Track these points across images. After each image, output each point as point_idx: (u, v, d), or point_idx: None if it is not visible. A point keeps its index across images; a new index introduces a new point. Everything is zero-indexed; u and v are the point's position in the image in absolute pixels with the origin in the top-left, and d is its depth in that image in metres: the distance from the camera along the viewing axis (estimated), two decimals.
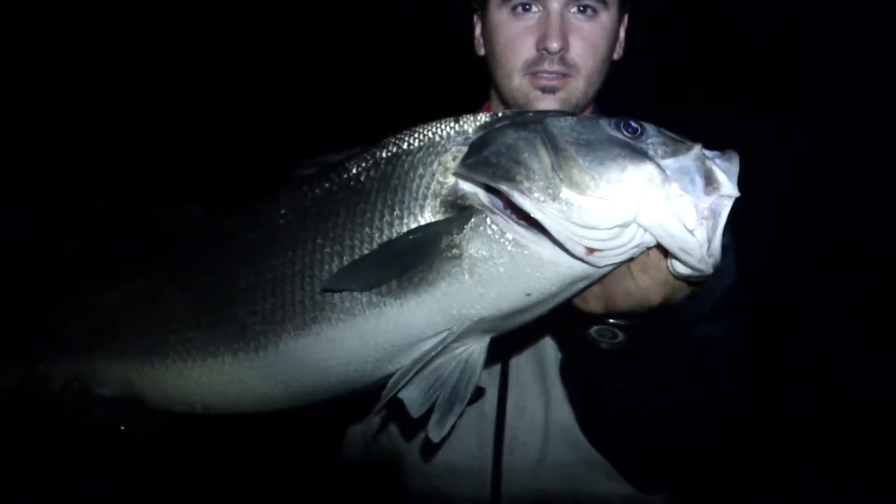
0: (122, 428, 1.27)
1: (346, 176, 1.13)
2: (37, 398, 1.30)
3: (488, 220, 1.01)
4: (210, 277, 1.22)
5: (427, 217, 1.04)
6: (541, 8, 1.46)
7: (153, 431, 1.31)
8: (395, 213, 1.05)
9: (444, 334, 1.04)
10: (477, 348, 1.09)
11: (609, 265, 0.99)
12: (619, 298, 1.04)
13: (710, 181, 0.97)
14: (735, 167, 0.99)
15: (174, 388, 1.22)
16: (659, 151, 1.00)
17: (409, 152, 1.09)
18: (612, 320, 1.13)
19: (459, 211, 1.02)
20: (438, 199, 1.04)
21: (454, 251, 1.00)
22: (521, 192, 0.96)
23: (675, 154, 0.99)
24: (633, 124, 1.03)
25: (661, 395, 1.25)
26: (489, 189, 1.02)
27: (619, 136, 1.01)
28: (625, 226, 0.96)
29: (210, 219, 1.35)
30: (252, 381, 1.15)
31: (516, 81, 1.50)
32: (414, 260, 1.00)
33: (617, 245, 0.97)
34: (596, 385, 1.30)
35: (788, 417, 3.58)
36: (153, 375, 1.23)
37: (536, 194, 0.96)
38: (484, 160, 1.00)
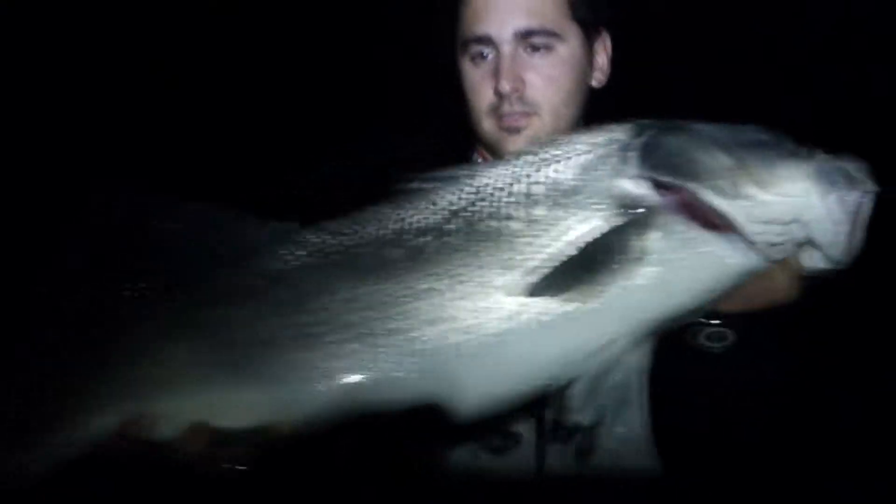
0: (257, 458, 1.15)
1: (497, 188, 1.12)
2: (143, 446, 1.14)
3: (670, 221, 1.03)
4: (367, 291, 1.14)
5: (600, 223, 1.04)
6: (493, 52, 1.48)
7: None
8: (567, 220, 1.06)
9: (623, 340, 1.05)
10: (635, 353, 1.11)
11: (777, 259, 1.04)
12: (758, 295, 1.09)
13: (848, 179, 1.03)
14: (862, 165, 1.06)
15: (328, 407, 1.13)
16: (803, 153, 1.06)
17: (570, 159, 1.10)
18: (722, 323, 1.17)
19: (634, 214, 1.04)
20: (611, 204, 1.05)
21: (637, 255, 1.02)
22: (710, 188, 1.00)
23: (810, 157, 1.06)
24: (777, 133, 1.09)
25: (750, 397, 1.28)
26: (660, 191, 1.05)
27: (773, 139, 1.08)
28: (796, 221, 1.01)
29: (305, 234, 1.24)
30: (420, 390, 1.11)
31: (485, 125, 1.53)
32: (597, 266, 1.01)
33: (788, 240, 1.02)
34: (691, 394, 1.31)
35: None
36: (305, 398, 1.13)
37: (726, 190, 1.01)
38: (664, 162, 1.04)
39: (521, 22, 1.45)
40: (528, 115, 1.48)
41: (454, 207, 1.13)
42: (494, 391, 1.09)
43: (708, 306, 1.09)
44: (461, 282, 1.07)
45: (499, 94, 1.46)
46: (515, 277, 1.05)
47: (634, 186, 1.06)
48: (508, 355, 1.06)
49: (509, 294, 1.04)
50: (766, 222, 1.01)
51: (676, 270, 1.03)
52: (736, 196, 1.01)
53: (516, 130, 1.49)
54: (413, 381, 1.08)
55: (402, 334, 1.08)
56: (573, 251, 1.03)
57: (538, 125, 1.50)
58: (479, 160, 1.66)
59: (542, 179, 1.09)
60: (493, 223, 1.09)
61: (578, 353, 1.05)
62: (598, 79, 1.60)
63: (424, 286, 1.09)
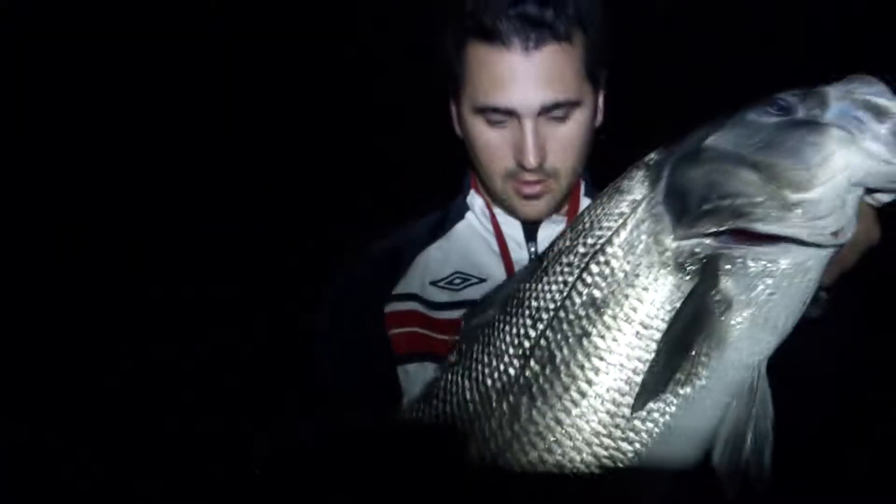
0: None
1: (556, 308, 1.07)
2: None
3: (734, 258, 0.99)
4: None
5: (673, 291, 1.01)
6: (514, 123, 1.41)
7: None
8: (640, 309, 1.01)
9: (749, 383, 1.02)
10: (762, 380, 1.05)
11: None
12: (848, 255, 1.05)
13: (870, 108, 0.97)
14: (878, 84, 0.99)
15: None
16: (815, 111, 1.00)
17: (609, 244, 1.05)
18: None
19: (697, 271, 1.00)
20: (671, 272, 1.01)
21: (723, 307, 0.98)
22: (759, 220, 0.96)
23: (824, 104, 1.00)
24: (780, 102, 1.02)
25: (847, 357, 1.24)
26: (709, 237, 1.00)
27: (779, 119, 1.01)
28: (850, 189, 0.97)
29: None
30: None
31: (499, 185, 1.49)
32: (692, 338, 0.98)
33: (849, 214, 0.97)
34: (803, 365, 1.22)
35: None
36: None
37: (773, 214, 0.96)
38: (698, 211, 0.99)
39: (546, 95, 1.38)
40: (545, 182, 1.46)
41: (527, 344, 1.08)
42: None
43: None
44: (571, 413, 1.03)
45: (521, 165, 1.42)
46: (618, 389, 1.01)
47: (683, 246, 1.01)
48: (655, 464, 1.03)
49: (621, 406, 1.01)
50: (824, 217, 0.96)
51: (765, 301, 0.99)
52: (783, 212, 0.96)
53: (535, 196, 1.48)
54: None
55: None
56: (661, 337, 0.99)
57: (556, 190, 1.49)
58: (473, 191, 1.65)
59: (596, 281, 1.05)
60: (569, 349, 1.04)
61: (722, 421, 1.02)
62: (599, 120, 1.57)
63: (539, 425, 1.05)
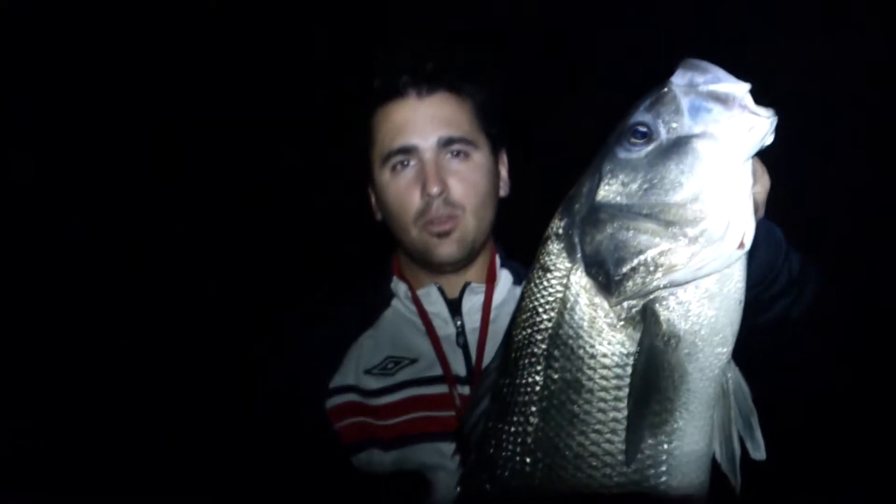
0: None
1: (523, 395, 1.14)
2: None
3: (667, 300, 1.06)
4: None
5: (630, 344, 1.07)
6: (416, 160, 1.58)
7: None
8: (610, 369, 1.08)
9: (722, 387, 1.09)
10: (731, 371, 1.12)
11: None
12: (758, 212, 1.09)
13: (716, 99, 1.02)
14: (712, 70, 1.04)
15: None
16: (673, 124, 1.04)
17: (558, 324, 1.12)
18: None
19: (639, 317, 1.07)
20: (620, 327, 1.08)
21: (672, 342, 1.05)
22: (673, 270, 1.03)
23: (678, 112, 1.04)
24: (640, 129, 1.06)
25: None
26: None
27: (648, 149, 1.06)
28: (736, 195, 1.02)
29: None
30: None
31: (413, 233, 1.62)
32: (655, 382, 1.05)
33: (747, 212, 1.03)
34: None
35: None
36: None
37: (682, 259, 1.03)
38: (619, 277, 1.05)
39: (442, 131, 1.58)
40: (454, 217, 1.59)
41: (529, 440, 1.14)
42: None
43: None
44: (584, 487, 1.10)
45: (426, 198, 1.56)
46: (620, 451, 1.08)
47: (618, 308, 1.08)
48: (676, 495, 1.09)
49: (607, 465, 1.08)
50: (726, 234, 1.01)
51: (707, 319, 1.06)
52: (690, 250, 1.02)
53: (446, 234, 1.60)
54: None
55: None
56: (625, 395, 1.06)
57: (463, 227, 1.61)
58: (395, 277, 1.75)
59: (564, 365, 1.11)
60: (565, 433, 1.11)
61: (713, 429, 1.10)
62: (503, 189, 1.72)
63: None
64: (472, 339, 1.63)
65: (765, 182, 1.11)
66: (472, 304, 1.68)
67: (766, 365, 1.21)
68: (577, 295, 1.10)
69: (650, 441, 1.06)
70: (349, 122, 1.71)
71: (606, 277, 1.07)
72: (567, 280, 1.11)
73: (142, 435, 3.51)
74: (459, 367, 1.60)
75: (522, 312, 1.16)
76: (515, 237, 1.71)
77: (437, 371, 1.59)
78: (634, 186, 1.06)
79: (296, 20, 4.44)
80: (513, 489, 1.15)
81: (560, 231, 1.14)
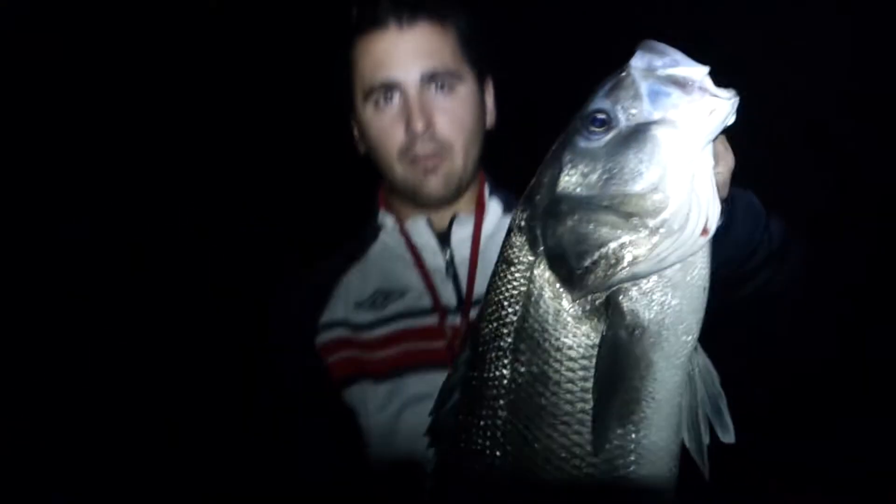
0: None
1: (488, 384, 1.14)
2: None
3: (632, 292, 1.05)
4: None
5: (595, 336, 1.07)
6: (399, 96, 1.54)
7: None
8: (577, 361, 1.07)
9: (688, 374, 1.08)
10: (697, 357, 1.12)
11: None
12: (722, 191, 1.07)
13: (674, 83, 1.00)
14: (670, 53, 1.02)
15: None
16: (632, 110, 1.03)
17: (522, 317, 1.11)
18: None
19: (602, 308, 1.06)
20: (583, 320, 1.07)
21: (636, 332, 1.05)
22: (635, 263, 1.02)
23: (637, 97, 1.02)
24: (599, 116, 1.04)
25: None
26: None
27: (607, 138, 1.04)
28: (697, 183, 1.01)
29: None
30: None
31: (398, 170, 1.59)
32: (621, 373, 1.04)
33: (709, 198, 1.02)
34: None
35: None
36: None
37: (644, 250, 1.01)
38: (581, 271, 1.04)
39: (424, 64, 1.53)
40: (439, 154, 1.56)
41: (498, 434, 1.14)
42: None
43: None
44: (553, 481, 1.10)
45: (411, 135, 1.53)
46: (567, 437, 1.08)
47: (582, 301, 1.07)
48: (646, 484, 1.09)
49: (576, 456, 1.08)
50: (687, 223, 1.00)
51: (671, 308, 1.05)
52: (651, 241, 1.01)
53: (432, 170, 1.57)
54: None
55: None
56: (599, 386, 1.05)
57: (450, 164, 1.58)
58: (382, 209, 1.73)
59: (530, 358, 1.10)
60: (534, 425, 1.11)
61: (680, 422, 1.09)
62: (490, 121, 1.68)
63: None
64: (462, 271, 1.62)
65: (728, 160, 1.08)
66: (461, 235, 1.65)
67: (747, 339, 1.21)
68: (541, 288, 1.10)
69: (618, 431, 1.06)
70: (329, 54, 1.66)
71: (569, 271, 1.06)
72: (531, 273, 1.11)
73: (141, 435, 3.52)
74: (450, 299, 1.60)
75: (488, 306, 1.16)
76: (503, 165, 1.69)
77: (427, 303, 1.59)
78: (594, 177, 1.05)
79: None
80: (485, 483, 1.15)
81: (522, 223, 1.13)
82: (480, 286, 1.55)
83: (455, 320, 1.56)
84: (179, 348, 3.98)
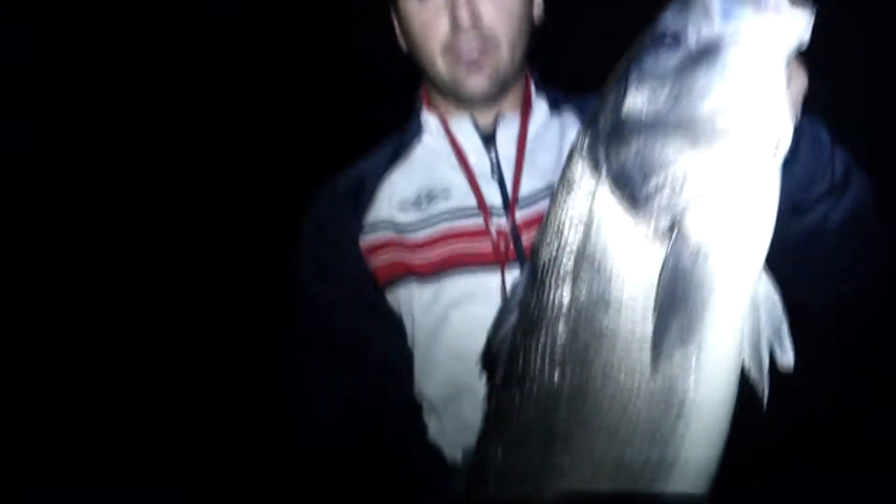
0: None
1: (549, 310, 1.14)
2: None
3: (697, 216, 1.03)
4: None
5: (653, 260, 1.05)
6: None
7: None
8: (639, 287, 1.06)
9: (752, 300, 1.07)
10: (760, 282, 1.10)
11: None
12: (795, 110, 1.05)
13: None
14: None
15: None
16: (703, 28, 1.00)
17: (583, 243, 1.10)
18: None
19: (668, 231, 1.04)
20: (647, 245, 1.06)
21: (700, 260, 1.03)
22: (700, 188, 1.00)
23: (707, 15, 1.00)
24: (667, 35, 1.02)
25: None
26: None
27: (676, 56, 1.02)
28: (770, 100, 0.98)
29: None
30: None
31: (440, 65, 1.54)
32: (682, 300, 1.03)
33: (782, 120, 0.99)
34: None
35: None
36: None
37: (712, 175, 0.99)
38: (645, 194, 1.02)
39: None
40: (485, 49, 1.50)
41: (558, 355, 1.14)
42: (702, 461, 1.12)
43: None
44: (615, 408, 1.10)
45: (455, 28, 1.48)
46: (626, 359, 1.08)
47: (646, 225, 1.05)
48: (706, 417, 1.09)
49: (635, 377, 1.08)
50: (759, 145, 0.98)
51: (737, 232, 1.03)
52: (719, 165, 0.99)
53: (476, 65, 1.52)
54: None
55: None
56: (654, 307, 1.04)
57: (497, 59, 1.53)
58: (425, 108, 1.69)
59: (592, 285, 1.09)
60: (594, 349, 1.10)
61: (740, 346, 1.09)
62: (538, 14, 1.62)
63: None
64: (508, 171, 1.59)
65: (801, 82, 1.04)
66: (506, 135, 1.62)
67: (795, 275, 1.19)
68: (604, 212, 1.09)
69: (678, 353, 1.06)
70: None
71: (633, 194, 1.04)
72: (593, 197, 1.09)
73: (141, 434, 3.53)
74: (495, 199, 1.58)
75: (548, 229, 1.15)
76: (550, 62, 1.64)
77: (472, 202, 1.58)
78: (662, 97, 1.02)
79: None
80: (541, 402, 1.17)
81: (585, 147, 1.12)
82: (526, 187, 1.56)
83: (500, 221, 1.55)
84: (179, 347, 3.96)
